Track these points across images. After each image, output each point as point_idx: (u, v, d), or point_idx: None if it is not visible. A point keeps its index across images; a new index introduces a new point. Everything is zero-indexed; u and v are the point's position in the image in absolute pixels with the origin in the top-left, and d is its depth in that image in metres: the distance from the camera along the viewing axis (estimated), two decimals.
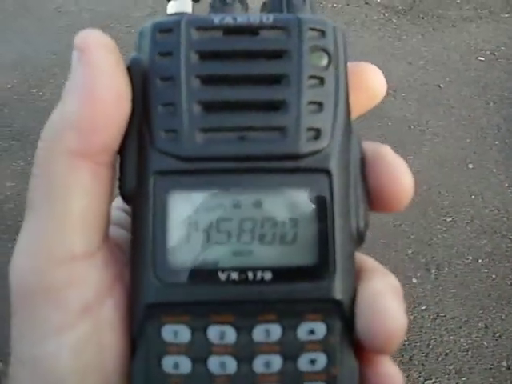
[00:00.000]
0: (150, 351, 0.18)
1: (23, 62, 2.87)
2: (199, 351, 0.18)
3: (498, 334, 1.54)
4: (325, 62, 0.19)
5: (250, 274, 0.18)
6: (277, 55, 0.19)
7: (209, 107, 0.19)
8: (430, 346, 1.50)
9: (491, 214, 1.91)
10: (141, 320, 0.18)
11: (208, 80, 0.19)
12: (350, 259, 0.19)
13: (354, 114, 0.20)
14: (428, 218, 1.88)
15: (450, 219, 1.88)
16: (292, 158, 0.19)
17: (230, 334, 0.18)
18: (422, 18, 3.05)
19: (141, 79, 0.19)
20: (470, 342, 1.51)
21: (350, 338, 0.18)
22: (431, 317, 1.57)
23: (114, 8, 3.42)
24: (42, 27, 3.19)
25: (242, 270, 0.18)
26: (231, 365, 0.18)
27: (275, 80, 0.19)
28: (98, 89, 0.18)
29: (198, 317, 0.18)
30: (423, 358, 1.48)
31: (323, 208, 0.19)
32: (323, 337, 0.18)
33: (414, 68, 2.66)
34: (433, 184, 2.03)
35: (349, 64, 0.20)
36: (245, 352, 0.18)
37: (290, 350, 0.18)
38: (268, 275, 0.18)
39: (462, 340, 1.51)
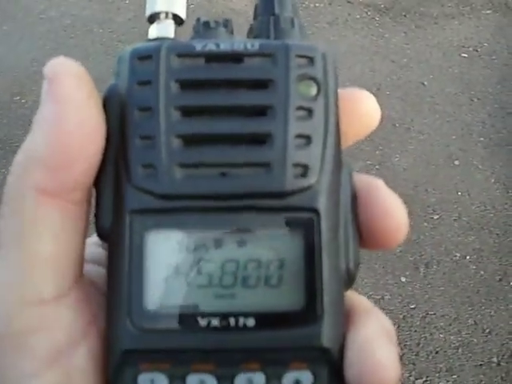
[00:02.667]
0: None
1: (5, 70, 2.84)
2: None
3: (487, 331, 1.54)
4: (313, 91, 0.18)
5: (232, 321, 0.17)
6: (262, 85, 0.18)
7: (189, 141, 0.18)
8: (420, 345, 1.50)
9: (478, 211, 1.92)
10: (116, 367, 0.17)
11: (188, 112, 0.18)
12: (338, 303, 0.18)
13: (346, 144, 0.19)
14: (415, 216, 1.87)
15: (437, 217, 1.88)
16: (277, 196, 0.18)
17: None
18: (405, 15, 3.06)
19: (118, 109, 0.18)
20: (459, 339, 1.51)
21: None
22: (421, 315, 1.57)
23: (96, 13, 3.39)
24: (24, 34, 3.17)
25: (224, 316, 0.17)
26: None
27: (260, 112, 0.18)
28: (66, 123, 0.17)
29: (176, 365, 0.17)
30: (413, 357, 1.48)
31: (310, 249, 0.18)
32: None
33: (397, 66, 2.66)
34: (419, 182, 2.03)
35: (340, 90, 0.19)
36: None
37: None
38: (251, 321, 0.17)
39: (451, 338, 1.52)
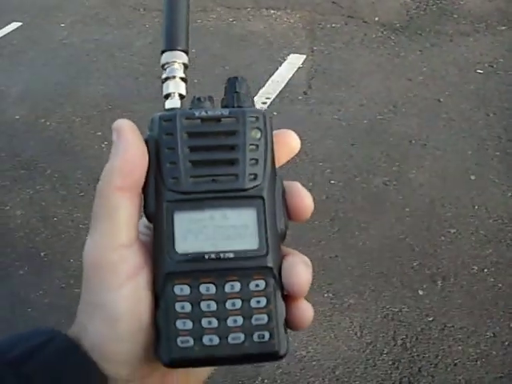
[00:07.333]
0: (167, 302, 0.31)
1: (31, 94, 2.92)
2: (195, 297, 0.31)
3: (506, 343, 1.54)
4: (259, 135, 0.33)
5: (222, 255, 0.32)
6: (232, 133, 0.33)
7: (195, 164, 0.32)
8: (439, 357, 1.50)
9: (495, 224, 1.93)
10: (161, 283, 0.31)
11: (194, 148, 0.33)
12: (278, 246, 0.33)
13: (279, 163, 0.34)
14: (432, 230, 1.89)
15: (454, 231, 1.90)
16: (242, 191, 0.32)
17: (212, 289, 0.31)
18: (420, 34, 3.09)
19: (154, 147, 0.33)
20: (478, 351, 1.51)
21: (280, 288, 0.31)
22: (439, 328, 1.57)
23: (117, 38, 3.48)
24: (48, 59, 3.25)
25: (217, 253, 0.32)
26: (213, 306, 0.31)
27: (232, 147, 0.33)
28: (128, 152, 0.32)
29: (193, 280, 0.32)
30: (432, 369, 1.48)
31: (261, 217, 0.32)
32: (263, 288, 0.32)
33: (413, 84, 2.69)
34: (436, 197, 2.04)
35: (276, 132, 0.34)
36: (221, 298, 0.31)
37: (245, 296, 0.31)
38: (231, 255, 0.32)
39: (470, 350, 1.51)
